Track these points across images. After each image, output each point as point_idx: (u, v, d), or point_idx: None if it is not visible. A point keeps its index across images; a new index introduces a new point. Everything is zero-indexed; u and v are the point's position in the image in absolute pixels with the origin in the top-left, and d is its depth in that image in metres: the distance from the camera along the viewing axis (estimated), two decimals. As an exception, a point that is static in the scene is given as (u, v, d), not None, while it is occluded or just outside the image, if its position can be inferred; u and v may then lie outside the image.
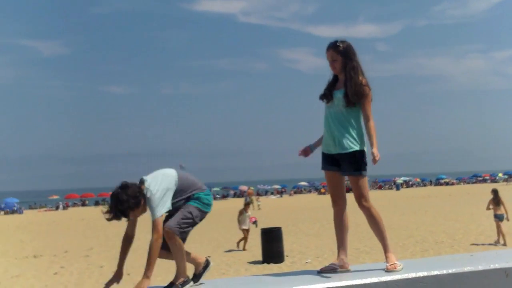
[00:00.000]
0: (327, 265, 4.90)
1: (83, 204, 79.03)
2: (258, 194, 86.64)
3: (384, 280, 4.12)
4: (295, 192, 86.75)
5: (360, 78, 4.78)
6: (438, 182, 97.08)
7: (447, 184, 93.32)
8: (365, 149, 4.81)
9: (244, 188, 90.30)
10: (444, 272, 4.26)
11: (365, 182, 4.84)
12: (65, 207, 71.99)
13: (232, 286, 4.60)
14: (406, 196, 55.96)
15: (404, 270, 4.36)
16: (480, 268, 4.35)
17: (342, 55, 4.84)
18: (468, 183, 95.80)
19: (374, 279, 4.13)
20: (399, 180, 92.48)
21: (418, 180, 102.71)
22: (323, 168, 4.94)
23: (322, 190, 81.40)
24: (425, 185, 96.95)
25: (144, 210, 4.54)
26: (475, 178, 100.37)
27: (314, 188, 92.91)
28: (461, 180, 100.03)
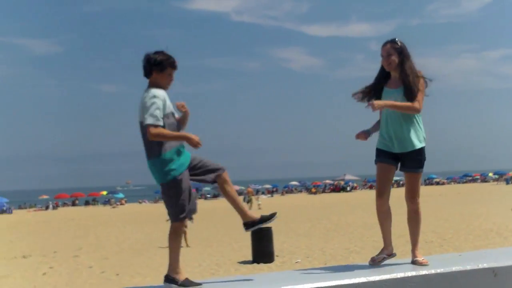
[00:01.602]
0: (378, 255, 4.96)
1: (73, 204, 78.68)
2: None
3: (373, 280, 4.10)
4: (286, 192, 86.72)
5: (417, 71, 4.83)
6: (428, 182, 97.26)
7: (437, 183, 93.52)
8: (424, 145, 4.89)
9: (236, 187, 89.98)
10: (433, 271, 4.27)
11: (420, 178, 4.99)
12: (55, 207, 71.64)
13: (221, 287, 4.55)
14: (396, 196, 55.51)
15: (393, 270, 4.35)
16: (469, 267, 4.35)
17: (399, 52, 4.85)
18: (459, 182, 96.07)
19: (363, 279, 4.11)
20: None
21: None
22: (379, 160, 4.95)
23: (313, 190, 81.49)
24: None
25: (168, 81, 4.49)
26: (466, 178, 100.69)
27: (305, 188, 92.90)
28: (451, 179, 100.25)
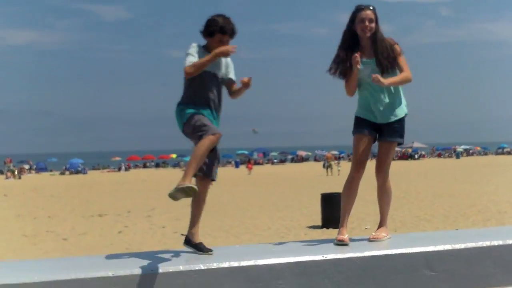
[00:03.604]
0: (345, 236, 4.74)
1: (144, 166, 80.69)
2: (316, 160, 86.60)
3: (458, 248, 4.10)
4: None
5: (388, 39, 4.68)
6: (499, 151, 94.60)
7: (509, 153, 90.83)
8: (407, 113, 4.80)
9: (302, 153, 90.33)
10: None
11: (394, 151, 4.99)
12: (127, 168, 73.63)
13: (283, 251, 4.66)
14: (466, 164, 54.88)
15: (479, 238, 4.31)
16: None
17: (376, 19, 4.67)
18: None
19: (448, 246, 4.11)
20: (459, 149, 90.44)
21: (479, 148, 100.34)
22: (358, 132, 4.80)
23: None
24: (486, 154, 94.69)
25: (220, 46, 4.31)
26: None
27: (372, 155, 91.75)
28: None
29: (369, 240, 4.73)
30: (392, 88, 4.66)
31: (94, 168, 79.43)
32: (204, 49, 4.36)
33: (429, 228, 14.41)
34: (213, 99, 4.38)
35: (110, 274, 3.53)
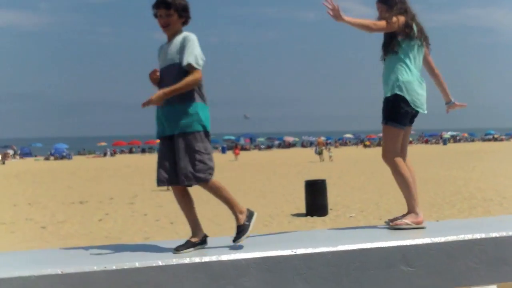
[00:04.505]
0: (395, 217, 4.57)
1: (130, 152, 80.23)
2: (303, 146, 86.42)
3: (437, 241, 3.83)
4: (340, 144, 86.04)
5: (394, 11, 4.41)
6: (486, 138, 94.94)
7: (495, 139, 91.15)
8: (403, 94, 4.40)
9: (289, 139, 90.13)
10: (504, 234, 3.95)
11: (392, 133, 4.49)
12: (113, 154, 73.17)
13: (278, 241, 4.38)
14: (453, 151, 54.89)
15: (460, 231, 4.05)
16: None
17: (385, 3, 4.48)
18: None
19: (427, 240, 3.84)
20: (446, 135, 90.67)
21: (466, 135, 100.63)
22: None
23: (367, 143, 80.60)
24: (473, 140, 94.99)
25: (177, 25, 4.09)
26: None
27: (359, 140, 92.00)
28: (510, 136, 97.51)
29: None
30: (389, 61, 4.47)
31: (79, 153, 78.89)
32: None
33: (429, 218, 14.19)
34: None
35: (58, 271, 3.23)
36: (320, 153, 44.82)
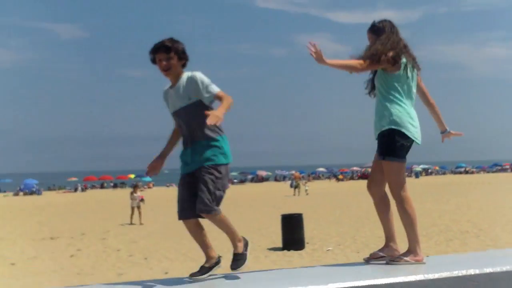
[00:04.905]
0: (374, 252, 4.49)
1: (102, 187, 79.30)
2: (276, 180, 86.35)
3: (431, 278, 3.69)
4: (313, 178, 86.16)
5: (380, 46, 4.34)
6: (457, 171, 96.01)
7: (466, 172, 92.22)
8: (398, 128, 4.34)
9: (262, 173, 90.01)
10: (498, 270, 3.83)
11: (396, 169, 4.39)
12: (84, 189, 72.22)
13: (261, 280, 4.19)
14: (426, 184, 55.27)
15: (452, 267, 3.92)
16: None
17: (375, 33, 4.44)
18: (488, 172, 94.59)
19: (420, 276, 3.70)
20: (418, 168, 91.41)
21: (437, 168, 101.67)
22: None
23: (340, 177, 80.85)
24: (444, 173, 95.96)
25: (178, 67, 4.24)
26: (495, 167, 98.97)
27: (332, 174, 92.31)
28: (481, 168, 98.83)
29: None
30: (384, 98, 4.38)
31: (49, 189, 77.72)
32: None
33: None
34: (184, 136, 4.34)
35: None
36: (296, 186, 44.68)
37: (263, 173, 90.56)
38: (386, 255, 4.47)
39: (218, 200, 4.11)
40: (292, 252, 14.82)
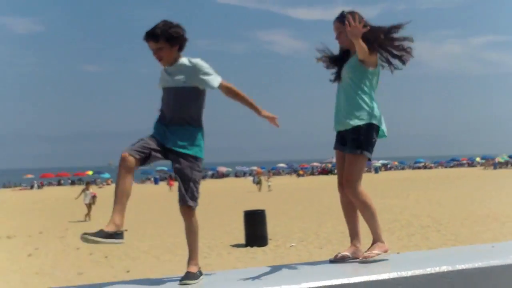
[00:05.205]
0: (340, 253, 4.41)
1: (59, 184, 78.02)
2: (236, 176, 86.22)
3: (404, 276, 3.62)
4: (273, 174, 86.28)
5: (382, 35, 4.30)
6: (416, 166, 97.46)
7: (425, 167, 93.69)
8: (377, 124, 4.32)
9: (222, 169, 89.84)
10: (470, 266, 3.78)
11: (360, 163, 4.37)
12: (40, 186, 70.94)
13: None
14: (385, 179, 55.90)
15: (425, 264, 3.86)
16: (510, 262, 3.88)
17: (344, 23, 4.32)
18: (446, 167, 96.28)
19: (393, 274, 3.63)
20: (377, 163, 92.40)
21: (396, 163, 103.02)
22: (335, 146, 4.51)
23: (301, 172, 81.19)
24: (403, 168, 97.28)
25: (172, 54, 4.06)
26: (453, 162, 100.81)
27: (292, 170, 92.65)
28: (438, 163, 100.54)
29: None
30: (354, 92, 4.31)
31: (4, 186, 76.18)
32: None
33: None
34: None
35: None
36: (258, 182, 44.53)
37: (223, 169, 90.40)
38: (351, 256, 4.40)
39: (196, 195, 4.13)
40: (255, 249, 14.74)
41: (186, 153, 3.99)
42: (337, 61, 4.52)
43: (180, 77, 3.99)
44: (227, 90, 4.08)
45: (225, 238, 16.74)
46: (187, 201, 4.03)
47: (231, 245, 15.49)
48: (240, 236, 16.13)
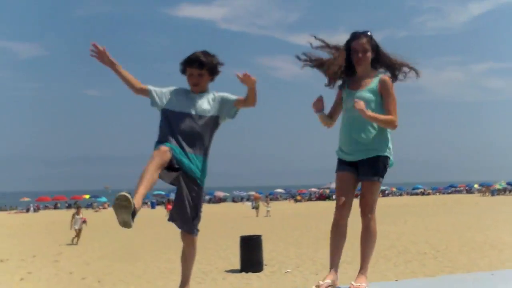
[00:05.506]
0: (324, 281, 4.27)
1: (55, 207, 77.51)
2: (234, 201, 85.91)
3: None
4: (271, 199, 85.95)
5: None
6: (414, 192, 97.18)
7: (423, 194, 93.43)
8: (391, 158, 4.43)
9: (220, 194, 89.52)
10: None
11: (377, 190, 4.43)
12: (36, 209, 70.45)
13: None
14: (383, 205, 55.48)
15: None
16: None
17: (374, 49, 4.31)
18: (444, 193, 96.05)
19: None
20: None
21: (394, 189, 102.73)
22: (339, 169, 4.47)
23: (298, 198, 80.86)
24: (401, 194, 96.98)
25: (189, 81, 4.30)
26: (451, 189, 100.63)
27: (290, 195, 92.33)
28: (436, 190, 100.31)
29: None
30: (366, 123, 4.29)
31: (0, 209, 75.63)
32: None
33: (351, 271, 13.92)
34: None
35: None
36: (257, 207, 44.27)
37: (221, 194, 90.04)
38: (332, 283, 4.27)
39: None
40: (250, 274, 14.56)
41: (200, 185, 4.30)
42: (343, 71, 4.43)
43: (207, 107, 4.21)
44: (243, 103, 4.31)
45: (220, 263, 16.56)
46: (194, 229, 4.31)
47: (225, 271, 15.31)
48: (235, 261, 15.96)
